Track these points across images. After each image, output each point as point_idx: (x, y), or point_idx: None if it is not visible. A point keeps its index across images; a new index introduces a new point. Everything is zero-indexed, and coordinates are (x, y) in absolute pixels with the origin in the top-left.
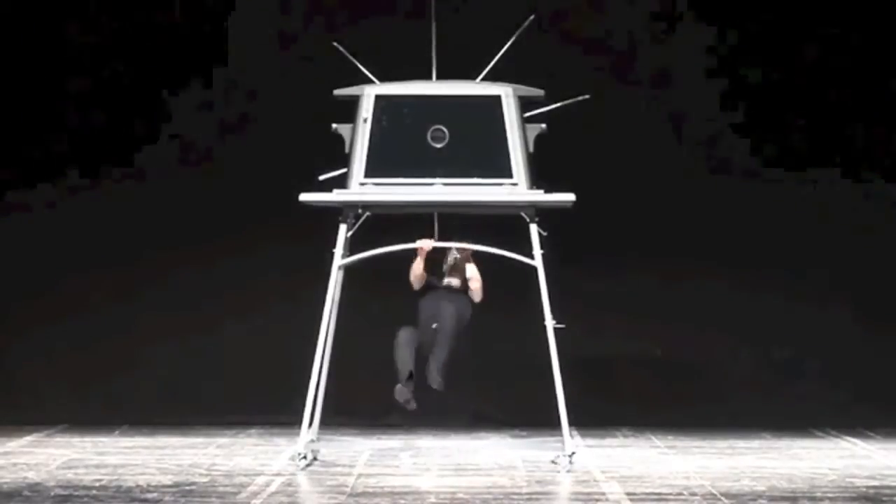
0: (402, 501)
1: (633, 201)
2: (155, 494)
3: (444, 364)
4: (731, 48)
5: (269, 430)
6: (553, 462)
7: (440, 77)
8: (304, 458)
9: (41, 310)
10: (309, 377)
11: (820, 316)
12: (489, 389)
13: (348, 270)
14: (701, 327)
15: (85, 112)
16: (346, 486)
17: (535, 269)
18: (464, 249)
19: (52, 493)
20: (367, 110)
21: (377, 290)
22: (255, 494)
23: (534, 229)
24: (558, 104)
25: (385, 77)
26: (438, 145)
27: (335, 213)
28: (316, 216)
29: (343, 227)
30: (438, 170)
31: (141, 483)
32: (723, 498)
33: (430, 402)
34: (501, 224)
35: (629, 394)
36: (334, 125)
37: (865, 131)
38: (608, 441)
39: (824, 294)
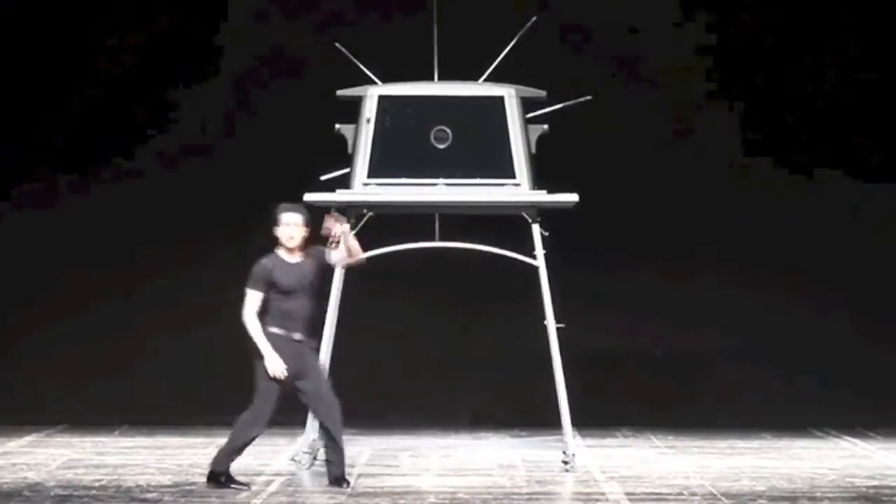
0: (402, 501)
1: (634, 202)
2: (155, 494)
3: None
4: (733, 50)
5: (269, 430)
6: (564, 462)
7: (442, 78)
8: (310, 454)
9: (41, 309)
10: None
11: (820, 316)
12: (489, 389)
13: (349, 270)
14: (701, 327)
15: (84, 110)
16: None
17: (536, 269)
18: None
19: (52, 493)
20: (370, 111)
21: (378, 289)
22: (255, 494)
23: (536, 229)
24: (560, 105)
25: (386, 78)
26: (441, 146)
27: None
28: (318, 216)
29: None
30: (441, 170)
31: (141, 483)
32: (723, 498)
33: (431, 402)
34: (503, 224)
35: (629, 394)
36: (337, 125)
37: (866, 132)
38: (608, 441)
39: (824, 294)
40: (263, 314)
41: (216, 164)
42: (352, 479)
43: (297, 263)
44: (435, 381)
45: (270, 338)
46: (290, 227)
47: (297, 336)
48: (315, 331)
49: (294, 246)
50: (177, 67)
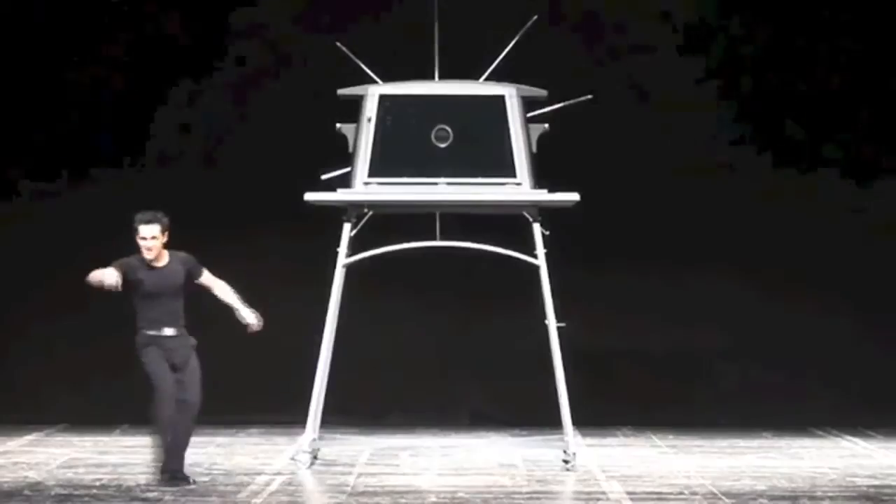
0: (402, 501)
1: (634, 201)
2: (155, 494)
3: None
4: (732, 49)
5: (269, 430)
6: (565, 461)
7: (442, 77)
8: (311, 454)
9: (41, 309)
10: (309, 376)
11: (820, 315)
12: (489, 389)
13: (349, 269)
14: (701, 327)
15: (84, 108)
16: (347, 486)
17: (537, 268)
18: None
19: (52, 493)
20: (371, 110)
21: (378, 289)
22: (255, 494)
23: (537, 228)
24: (561, 104)
25: (387, 77)
26: (442, 145)
27: (338, 212)
28: (318, 215)
29: (347, 227)
30: (442, 169)
31: (141, 482)
32: (723, 497)
33: (430, 402)
34: (504, 223)
35: (629, 393)
36: (338, 124)
37: (866, 131)
38: (608, 440)
39: (825, 293)
40: (137, 318)
41: (216, 163)
42: (193, 477)
43: (161, 268)
44: (435, 381)
45: (145, 339)
46: (147, 240)
47: (168, 332)
48: (185, 326)
49: (153, 257)
50: (177, 67)
